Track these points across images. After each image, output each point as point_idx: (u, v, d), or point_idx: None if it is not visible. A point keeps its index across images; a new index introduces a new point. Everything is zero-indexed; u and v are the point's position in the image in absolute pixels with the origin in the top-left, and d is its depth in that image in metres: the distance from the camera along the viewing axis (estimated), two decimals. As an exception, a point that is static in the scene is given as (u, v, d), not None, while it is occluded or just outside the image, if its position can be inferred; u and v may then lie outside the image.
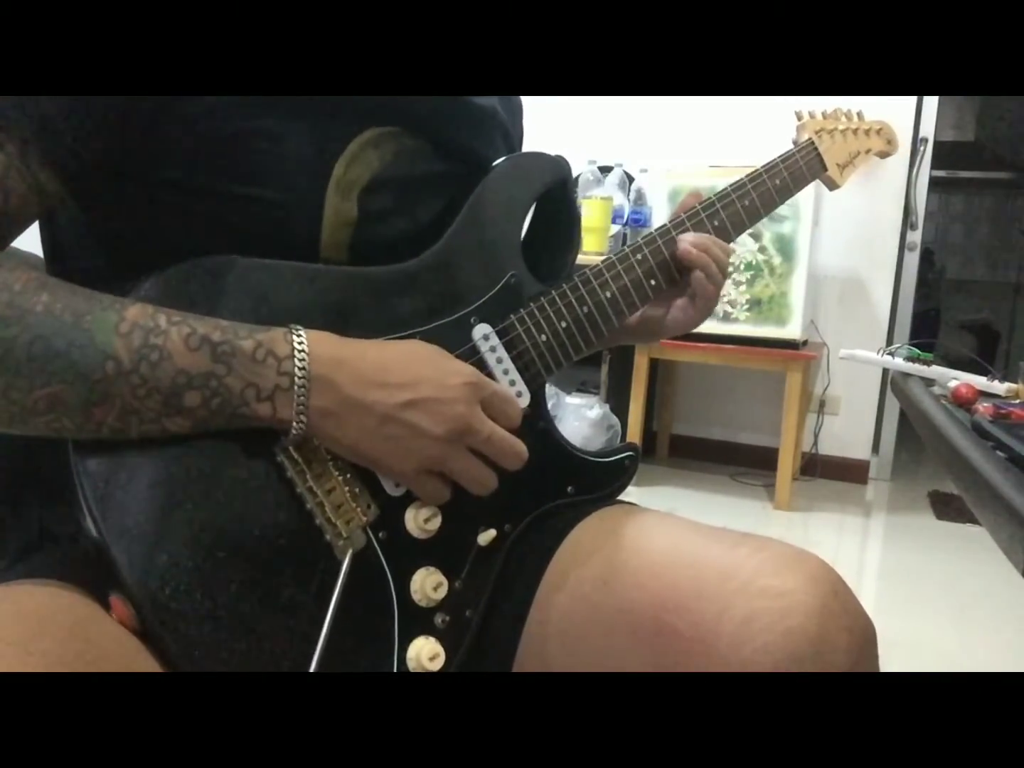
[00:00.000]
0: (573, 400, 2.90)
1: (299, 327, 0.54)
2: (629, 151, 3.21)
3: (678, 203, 0.81)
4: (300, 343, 0.53)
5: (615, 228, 3.01)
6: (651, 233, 0.75)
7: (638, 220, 3.02)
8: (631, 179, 3.13)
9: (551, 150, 0.72)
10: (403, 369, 0.56)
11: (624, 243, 3.00)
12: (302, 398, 0.53)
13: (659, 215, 2.83)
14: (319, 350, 0.54)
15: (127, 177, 0.55)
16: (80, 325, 0.48)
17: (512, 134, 0.75)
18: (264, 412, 0.53)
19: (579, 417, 2.83)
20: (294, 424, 0.53)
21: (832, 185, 0.90)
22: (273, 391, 0.52)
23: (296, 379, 0.53)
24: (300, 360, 0.53)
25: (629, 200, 3.07)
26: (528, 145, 0.80)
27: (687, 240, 0.75)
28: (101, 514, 0.50)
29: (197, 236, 0.56)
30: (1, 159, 0.50)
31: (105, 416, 0.49)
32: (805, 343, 2.81)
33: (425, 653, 0.58)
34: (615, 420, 2.90)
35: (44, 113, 0.51)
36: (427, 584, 0.59)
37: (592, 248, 2.74)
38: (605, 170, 3.11)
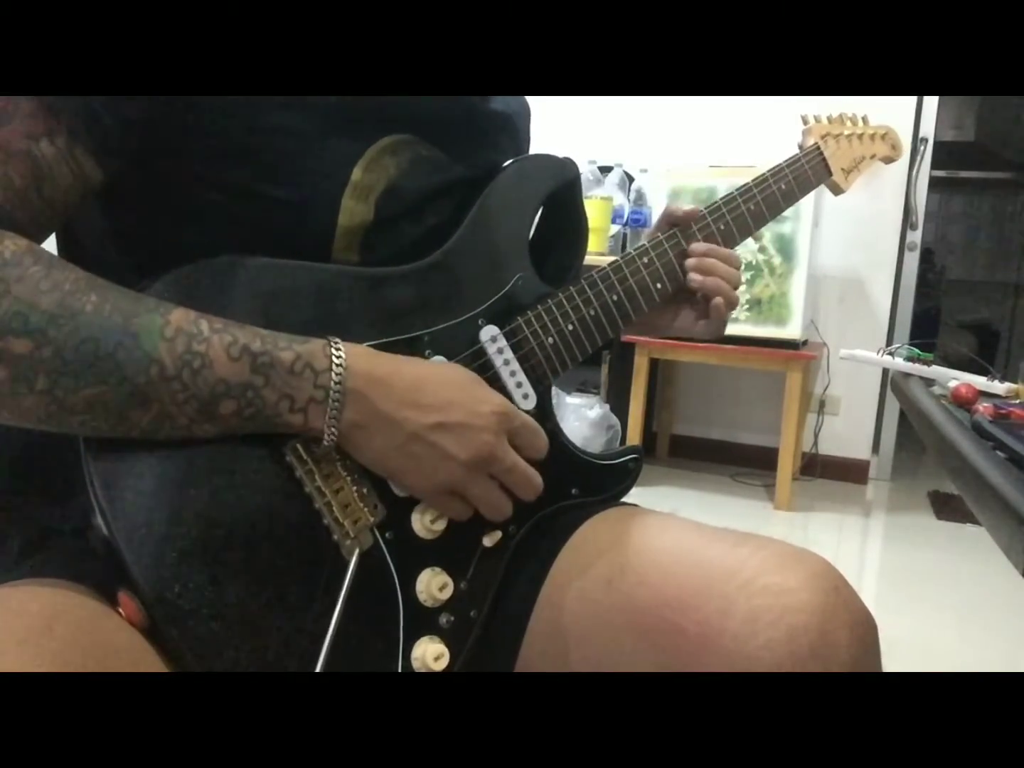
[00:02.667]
0: (573, 400, 2.91)
1: (338, 340, 0.55)
2: (629, 151, 3.21)
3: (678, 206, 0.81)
4: (339, 357, 0.54)
5: (615, 228, 3.01)
6: (658, 236, 0.75)
7: (638, 220, 3.03)
8: (631, 179, 3.13)
9: (551, 150, 0.72)
10: (436, 391, 0.57)
11: (624, 243, 3.02)
12: (335, 411, 0.53)
13: (659, 215, 2.82)
14: (356, 365, 0.54)
15: (152, 173, 0.56)
16: (127, 328, 0.49)
17: (522, 136, 0.75)
18: (296, 422, 0.53)
19: (579, 417, 2.83)
20: (325, 436, 0.54)
21: (837, 190, 0.91)
22: (307, 403, 0.53)
23: (331, 393, 0.53)
24: (337, 375, 0.53)
25: (629, 200, 3.07)
26: (531, 142, 0.80)
27: (694, 266, 0.76)
28: (111, 512, 0.50)
29: (211, 233, 0.57)
30: (52, 151, 0.51)
31: (140, 419, 0.50)
32: (805, 343, 2.81)
33: (430, 653, 0.58)
34: (615, 420, 2.90)
35: (90, 106, 0.51)
36: (433, 584, 0.59)
37: (592, 248, 2.74)
38: (605, 170, 3.11)
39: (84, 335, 0.48)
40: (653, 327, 0.82)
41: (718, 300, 0.76)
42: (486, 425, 0.58)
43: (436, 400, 0.57)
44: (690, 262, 0.76)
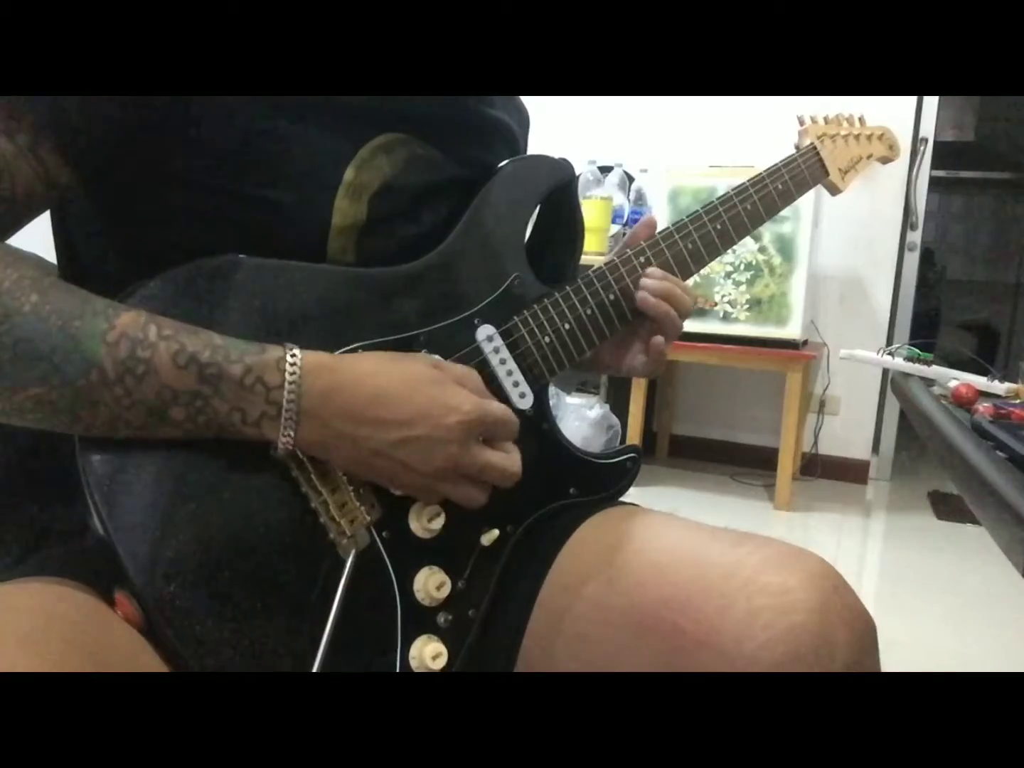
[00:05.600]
0: (573, 400, 2.91)
1: (295, 351, 0.53)
2: (629, 151, 3.21)
3: (682, 205, 0.81)
4: (292, 372, 0.52)
5: (615, 228, 3.01)
6: (655, 235, 0.75)
7: (638, 220, 3.02)
8: (631, 179, 3.13)
9: (551, 150, 0.72)
10: (400, 403, 0.55)
11: (624, 243, 3.01)
12: (289, 430, 0.52)
13: (659, 215, 2.82)
14: (311, 382, 0.53)
15: (140, 174, 0.55)
16: (67, 330, 0.48)
17: (520, 147, 0.75)
18: (251, 433, 0.52)
19: (579, 417, 2.83)
20: (280, 448, 0.53)
21: (834, 190, 0.90)
22: (260, 418, 0.52)
23: (284, 411, 0.52)
24: (290, 392, 0.52)
25: (629, 200, 3.07)
26: (529, 145, 0.80)
27: (649, 287, 0.71)
28: (107, 512, 0.50)
29: (205, 235, 0.57)
30: (11, 148, 0.51)
31: (93, 419, 0.49)
32: (805, 343, 2.81)
33: (428, 652, 0.58)
34: (615, 420, 2.90)
35: (60, 107, 0.51)
36: (430, 583, 0.59)
37: (592, 248, 2.74)
38: (605, 170, 3.11)
39: (19, 335, 0.47)
40: (598, 363, 0.78)
41: (658, 339, 0.72)
42: (451, 437, 0.56)
43: (399, 415, 0.55)
44: (647, 283, 0.72)
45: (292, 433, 0.52)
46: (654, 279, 0.72)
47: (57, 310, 0.49)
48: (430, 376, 0.58)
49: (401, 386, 0.56)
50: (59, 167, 0.53)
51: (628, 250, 0.73)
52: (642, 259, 0.73)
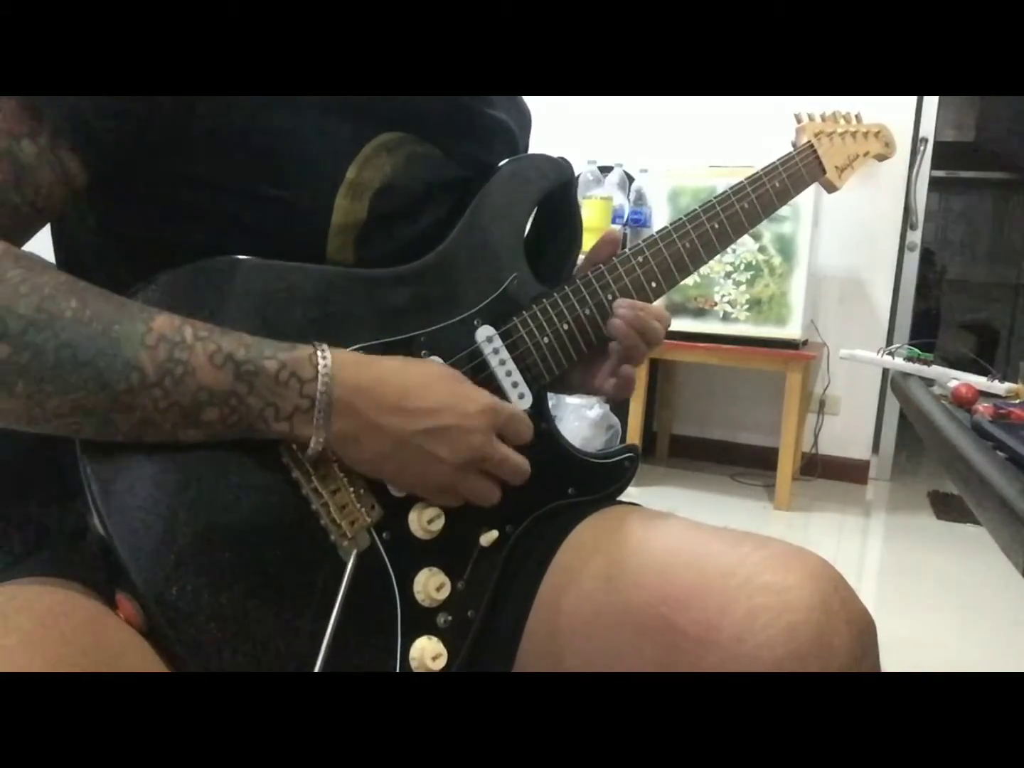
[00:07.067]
0: (573, 400, 2.90)
1: (325, 347, 0.55)
2: (629, 151, 3.21)
3: (682, 205, 0.81)
4: (325, 367, 0.53)
5: (615, 228, 3.01)
6: (653, 235, 0.75)
7: (638, 220, 3.03)
8: (631, 179, 3.13)
9: (551, 150, 0.72)
10: (424, 395, 0.57)
11: (624, 243, 3.02)
12: (321, 421, 0.53)
13: (659, 215, 2.83)
14: (343, 374, 0.54)
15: (145, 173, 0.56)
16: (108, 334, 0.49)
17: (520, 147, 0.75)
18: (282, 430, 0.53)
19: (579, 417, 2.83)
20: (312, 444, 0.54)
21: (831, 188, 0.91)
22: (293, 412, 0.53)
23: (317, 402, 0.53)
24: (323, 384, 0.53)
25: (629, 200, 3.07)
26: (529, 145, 0.80)
27: (621, 314, 0.69)
28: (108, 513, 0.50)
29: (205, 233, 0.57)
30: (33, 150, 0.51)
31: (124, 424, 0.50)
32: (805, 343, 2.81)
33: (428, 653, 0.58)
34: (615, 420, 2.90)
35: (76, 106, 0.51)
36: (430, 584, 0.59)
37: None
38: (605, 170, 3.11)
39: (63, 340, 0.47)
40: (568, 384, 0.77)
41: (627, 368, 0.71)
42: (476, 426, 0.58)
43: (424, 405, 0.56)
44: (621, 310, 0.70)
45: (324, 424, 0.53)
46: (625, 309, 0.69)
47: (97, 315, 0.49)
48: (448, 372, 0.60)
49: (423, 380, 0.58)
50: (77, 168, 0.53)
51: (626, 249, 0.73)
52: (640, 258, 0.73)
